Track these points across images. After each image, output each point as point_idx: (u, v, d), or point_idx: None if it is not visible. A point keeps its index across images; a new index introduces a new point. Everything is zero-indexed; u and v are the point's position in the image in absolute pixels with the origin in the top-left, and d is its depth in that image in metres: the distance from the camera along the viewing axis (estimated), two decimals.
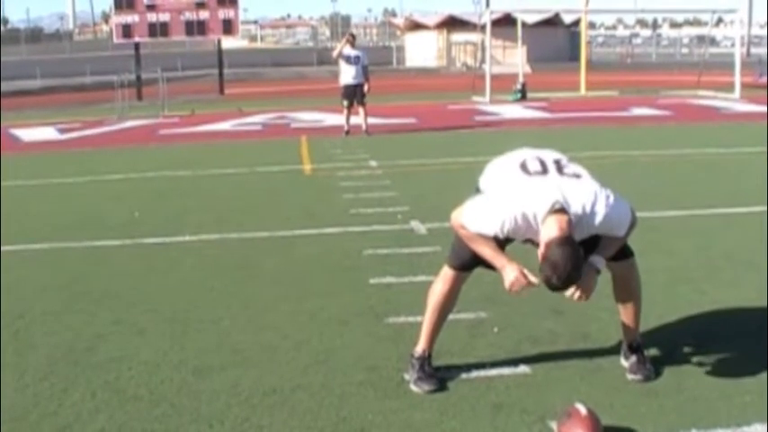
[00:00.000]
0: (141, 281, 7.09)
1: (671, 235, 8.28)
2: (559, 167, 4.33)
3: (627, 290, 4.68)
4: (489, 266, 4.45)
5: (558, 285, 4.01)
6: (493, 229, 4.23)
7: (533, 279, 4.19)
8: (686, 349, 5.14)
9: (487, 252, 4.35)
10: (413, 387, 4.65)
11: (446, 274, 4.75)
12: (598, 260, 4.30)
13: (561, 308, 5.76)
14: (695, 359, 4.95)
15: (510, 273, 4.26)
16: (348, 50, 18.57)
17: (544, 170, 4.29)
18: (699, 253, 7.59)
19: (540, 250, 4.04)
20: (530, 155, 4.45)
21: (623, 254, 4.54)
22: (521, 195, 4.20)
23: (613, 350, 4.79)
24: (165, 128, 21.64)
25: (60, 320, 6.02)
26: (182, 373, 4.96)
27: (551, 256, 3.96)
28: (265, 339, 5.52)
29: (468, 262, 4.64)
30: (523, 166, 4.35)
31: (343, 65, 18.41)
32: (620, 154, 14.21)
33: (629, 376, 4.71)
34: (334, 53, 18.79)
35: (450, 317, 4.89)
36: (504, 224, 4.18)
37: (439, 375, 4.72)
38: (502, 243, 4.41)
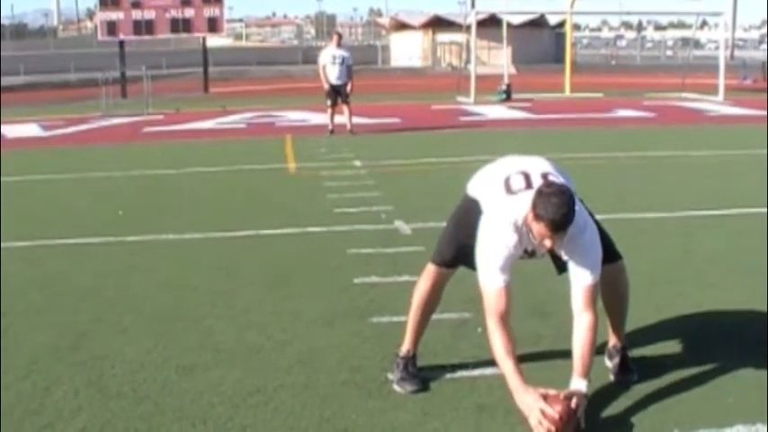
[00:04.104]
0: (124, 279, 7.07)
1: (653, 237, 8.31)
2: (545, 181, 4.29)
3: (614, 292, 4.69)
4: (472, 266, 4.45)
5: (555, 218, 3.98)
6: (501, 267, 4.20)
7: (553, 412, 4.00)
8: (669, 351, 5.16)
9: (507, 369, 4.16)
10: (396, 387, 4.65)
11: (429, 270, 4.77)
12: (581, 383, 4.17)
13: (546, 309, 5.79)
14: (678, 361, 4.96)
15: (531, 417, 4.04)
16: (333, 50, 18.56)
17: (528, 185, 4.27)
18: (681, 255, 7.63)
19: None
20: (515, 169, 4.42)
21: (612, 257, 4.55)
22: (505, 216, 4.21)
23: (597, 351, 4.79)
24: (149, 126, 21.58)
25: (43, 318, 6.00)
26: (165, 372, 4.95)
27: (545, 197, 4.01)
28: (249, 339, 5.52)
29: (452, 259, 4.68)
30: (507, 184, 4.33)
31: (328, 65, 18.37)
32: (604, 155, 14.23)
33: (613, 377, 4.73)
34: (321, 71, 18.64)
35: (434, 317, 4.91)
36: (504, 251, 4.19)
37: (422, 376, 4.73)
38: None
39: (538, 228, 4.03)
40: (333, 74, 18.26)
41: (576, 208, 4.08)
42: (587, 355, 4.21)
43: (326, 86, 18.27)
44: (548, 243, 4.07)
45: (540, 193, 4.05)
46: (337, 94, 18.26)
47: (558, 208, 3.96)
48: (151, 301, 6.40)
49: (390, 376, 4.75)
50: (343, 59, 18.38)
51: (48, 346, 5.43)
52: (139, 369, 5.01)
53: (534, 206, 4.01)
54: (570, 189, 4.14)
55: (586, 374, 4.18)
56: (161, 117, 23.76)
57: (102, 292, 6.70)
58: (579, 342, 4.23)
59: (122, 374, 4.93)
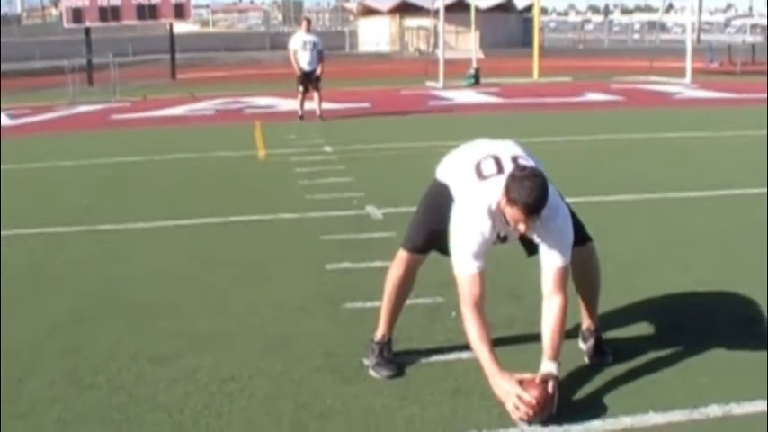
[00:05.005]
0: (96, 268, 7.03)
1: (625, 219, 8.35)
2: (517, 165, 4.28)
3: (585, 275, 4.70)
4: (444, 251, 4.45)
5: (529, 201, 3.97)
6: (475, 253, 4.20)
7: (529, 397, 4.00)
8: (642, 332, 5.20)
9: (482, 355, 4.19)
10: (372, 372, 4.66)
11: (401, 257, 4.76)
12: (552, 365, 4.17)
13: (518, 292, 5.80)
14: (652, 342, 4.99)
15: (508, 402, 4.05)
16: (303, 36, 18.50)
17: (499, 169, 4.26)
18: (652, 237, 7.67)
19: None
20: (485, 153, 4.41)
21: (582, 239, 4.55)
22: (478, 202, 4.21)
23: (571, 334, 4.80)
24: (116, 113, 21.45)
25: (16, 308, 5.94)
26: (139, 362, 4.92)
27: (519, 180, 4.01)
28: (222, 326, 5.50)
29: (423, 244, 4.67)
30: (478, 169, 4.32)
31: (299, 51, 18.32)
32: (574, 139, 14.30)
33: (587, 360, 4.75)
34: (292, 57, 18.59)
35: (408, 302, 4.90)
36: (478, 237, 4.19)
37: (398, 360, 4.74)
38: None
39: (512, 212, 4.03)
40: (304, 59, 18.23)
41: (550, 189, 4.09)
42: (557, 337, 4.22)
43: (299, 72, 18.22)
44: (522, 227, 4.07)
45: (512, 177, 4.05)
46: (309, 80, 18.21)
47: (531, 191, 3.96)
48: (124, 290, 6.37)
49: (366, 362, 4.76)
50: (314, 45, 18.36)
51: (21, 336, 5.39)
52: (114, 358, 4.98)
53: (507, 190, 4.01)
54: (542, 172, 4.14)
55: (556, 357, 4.20)
56: (128, 104, 23.61)
57: (74, 281, 6.66)
58: (549, 324, 4.24)
59: (97, 364, 4.89)
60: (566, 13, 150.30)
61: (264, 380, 4.63)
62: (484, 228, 4.18)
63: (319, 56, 18.33)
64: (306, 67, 18.18)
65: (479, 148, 4.51)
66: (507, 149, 4.44)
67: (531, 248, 4.46)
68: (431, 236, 4.59)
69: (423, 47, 58.31)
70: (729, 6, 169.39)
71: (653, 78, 29.14)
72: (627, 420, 4.06)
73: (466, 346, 4.41)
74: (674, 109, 20.23)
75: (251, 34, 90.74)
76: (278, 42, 57.27)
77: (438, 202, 4.49)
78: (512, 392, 4.02)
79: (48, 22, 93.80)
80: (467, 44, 44.03)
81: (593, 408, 4.20)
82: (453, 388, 4.44)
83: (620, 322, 5.31)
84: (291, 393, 4.45)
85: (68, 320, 5.69)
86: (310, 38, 18.48)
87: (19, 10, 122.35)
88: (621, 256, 6.72)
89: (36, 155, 14.19)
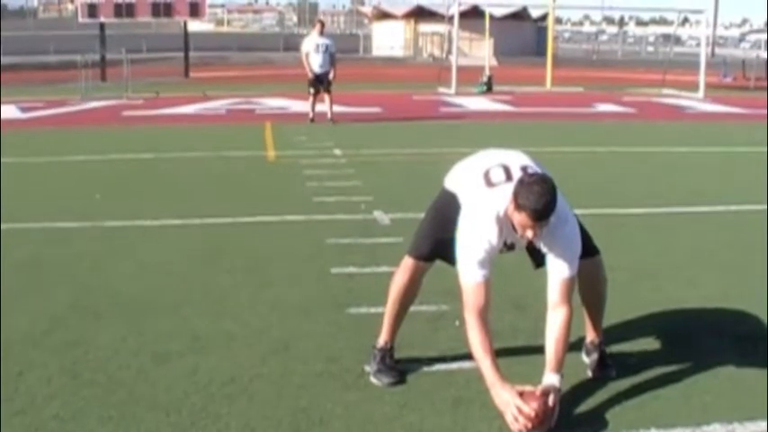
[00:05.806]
0: (100, 264, 7.01)
1: (633, 232, 8.31)
2: (526, 173, 4.26)
3: (592, 288, 4.68)
4: (450, 260, 4.42)
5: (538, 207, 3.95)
6: (481, 260, 4.17)
7: (529, 409, 3.98)
8: (647, 347, 5.16)
9: (484, 364, 4.15)
10: (373, 379, 4.63)
11: (406, 264, 4.74)
12: (554, 378, 4.14)
13: (523, 303, 5.78)
14: (656, 358, 4.96)
15: (507, 413, 4.03)
16: (316, 39, 18.50)
17: (508, 177, 4.24)
18: (660, 251, 7.63)
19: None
20: (494, 162, 4.39)
21: (589, 252, 4.52)
22: (486, 208, 4.19)
23: (575, 346, 4.77)
24: (128, 109, 21.44)
25: (17, 303, 5.92)
26: (139, 360, 4.90)
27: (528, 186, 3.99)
28: (225, 327, 5.48)
29: (429, 253, 4.65)
30: (487, 177, 4.30)
31: (311, 53, 18.32)
32: (584, 150, 14.26)
33: (590, 373, 4.72)
34: (304, 59, 18.58)
35: (412, 309, 4.88)
36: (485, 245, 4.16)
37: (399, 368, 4.71)
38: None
39: (520, 218, 4.00)
40: (316, 62, 18.21)
41: (558, 198, 4.06)
42: (561, 349, 4.20)
43: (311, 75, 18.22)
44: (530, 234, 4.04)
45: (521, 182, 4.03)
46: (320, 83, 18.21)
47: (540, 196, 3.94)
48: (127, 287, 6.35)
49: (367, 368, 4.73)
50: (327, 47, 18.33)
51: (21, 331, 5.37)
52: (114, 356, 4.96)
53: (516, 196, 3.99)
54: (552, 178, 4.12)
55: (559, 369, 4.17)
56: (140, 101, 23.59)
57: (77, 277, 6.64)
58: (553, 336, 4.21)
59: (96, 361, 4.88)
60: (580, 24, 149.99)
61: (265, 383, 4.60)
62: (491, 234, 4.16)
63: (331, 59, 18.31)
64: (317, 70, 18.17)
65: (488, 158, 4.49)
66: (517, 159, 4.43)
67: (539, 260, 4.43)
68: (437, 244, 4.57)
69: (436, 52, 58.47)
70: (745, 21, 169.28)
71: (665, 91, 29.07)
72: None
73: (468, 356, 4.38)
74: (686, 123, 20.17)
75: (265, 35, 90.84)
76: (292, 44, 57.30)
77: (445, 211, 4.47)
78: (511, 403, 3.99)
79: (63, 17, 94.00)
80: (480, 51, 44.10)
81: (595, 422, 4.17)
82: (454, 397, 4.41)
83: (624, 336, 5.27)
84: (291, 397, 4.42)
85: (69, 316, 5.67)
86: (323, 41, 18.46)
87: (36, 3, 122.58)
88: (628, 269, 6.68)
89: (46, 149, 14.19)
